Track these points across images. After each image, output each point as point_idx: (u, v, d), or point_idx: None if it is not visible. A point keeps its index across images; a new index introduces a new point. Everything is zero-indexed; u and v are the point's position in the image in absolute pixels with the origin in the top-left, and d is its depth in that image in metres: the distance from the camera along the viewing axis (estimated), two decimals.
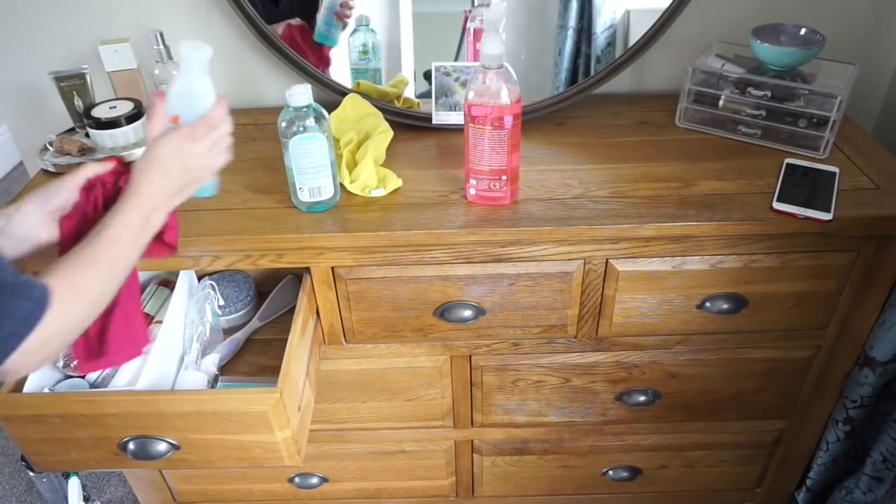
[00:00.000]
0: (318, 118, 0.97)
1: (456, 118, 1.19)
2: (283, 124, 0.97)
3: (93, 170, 0.81)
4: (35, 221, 0.78)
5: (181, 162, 0.78)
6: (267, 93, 1.35)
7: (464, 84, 1.17)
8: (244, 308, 1.17)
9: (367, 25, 1.25)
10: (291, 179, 1.01)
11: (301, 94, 0.95)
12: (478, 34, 1.22)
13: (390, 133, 1.12)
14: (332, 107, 1.35)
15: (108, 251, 0.72)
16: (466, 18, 1.24)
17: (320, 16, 1.25)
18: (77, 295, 0.69)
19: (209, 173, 0.82)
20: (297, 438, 0.94)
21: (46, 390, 0.95)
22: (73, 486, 1.54)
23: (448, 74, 1.17)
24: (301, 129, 0.96)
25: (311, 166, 0.99)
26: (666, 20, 1.18)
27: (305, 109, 0.96)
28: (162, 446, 0.92)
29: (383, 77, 1.29)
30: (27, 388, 0.94)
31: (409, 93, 1.30)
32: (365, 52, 1.27)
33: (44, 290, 0.65)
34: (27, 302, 0.63)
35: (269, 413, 0.88)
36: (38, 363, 0.68)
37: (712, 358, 1.17)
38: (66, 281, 0.68)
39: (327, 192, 1.02)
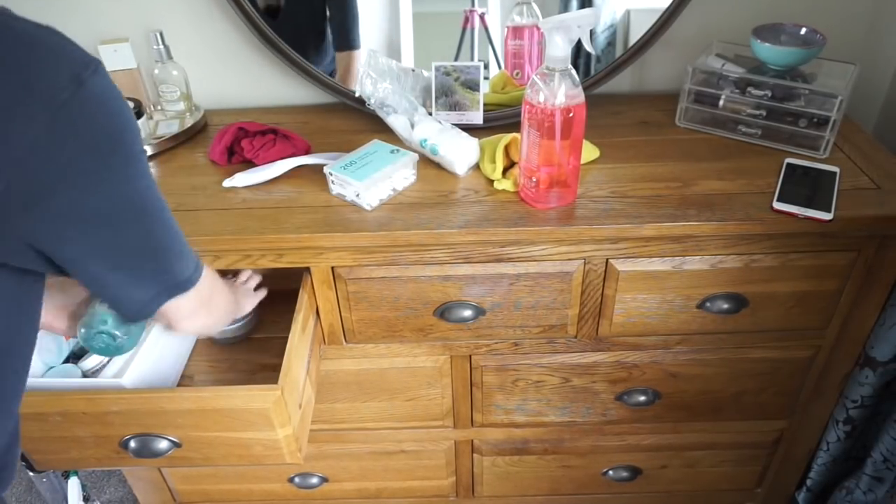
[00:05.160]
0: None
1: (456, 118, 1.19)
2: None
3: None
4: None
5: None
6: (267, 92, 1.35)
7: (464, 84, 1.17)
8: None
9: None
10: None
11: None
12: (517, 32, 1.23)
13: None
14: (330, 107, 1.35)
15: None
16: (466, 18, 1.24)
17: None
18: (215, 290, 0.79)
19: (243, 305, 1.01)
20: (297, 436, 0.94)
21: (39, 378, 0.95)
22: (73, 486, 1.54)
23: (448, 74, 1.17)
24: None
25: None
26: (666, 20, 1.18)
27: None
28: (163, 444, 0.92)
29: None
30: None
31: None
32: None
33: (201, 264, 0.75)
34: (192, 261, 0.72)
35: (271, 410, 0.88)
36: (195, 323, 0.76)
37: (712, 358, 1.17)
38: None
39: None
